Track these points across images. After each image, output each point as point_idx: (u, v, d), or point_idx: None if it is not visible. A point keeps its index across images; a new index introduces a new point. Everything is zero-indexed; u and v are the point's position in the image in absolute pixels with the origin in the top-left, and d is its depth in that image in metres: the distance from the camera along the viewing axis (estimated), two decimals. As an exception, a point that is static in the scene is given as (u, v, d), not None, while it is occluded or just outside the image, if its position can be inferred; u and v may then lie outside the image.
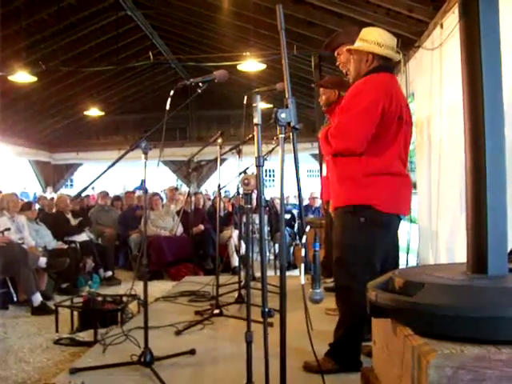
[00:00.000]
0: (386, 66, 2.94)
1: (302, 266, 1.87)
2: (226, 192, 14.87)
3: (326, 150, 2.92)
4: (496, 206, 1.72)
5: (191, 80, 2.98)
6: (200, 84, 2.92)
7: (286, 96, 1.89)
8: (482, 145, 1.73)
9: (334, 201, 3.04)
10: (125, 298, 4.59)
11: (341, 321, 2.93)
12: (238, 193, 5.33)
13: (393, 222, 2.92)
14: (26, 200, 8.95)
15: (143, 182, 3.09)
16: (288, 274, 2.14)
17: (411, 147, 7.70)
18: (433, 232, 5.75)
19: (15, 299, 5.59)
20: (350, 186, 2.85)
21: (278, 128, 1.87)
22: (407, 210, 3.04)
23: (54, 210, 7.66)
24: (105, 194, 9.26)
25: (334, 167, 2.97)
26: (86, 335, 4.21)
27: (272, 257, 8.12)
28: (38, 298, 5.31)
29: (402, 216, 2.99)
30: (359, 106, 2.75)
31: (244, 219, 5.48)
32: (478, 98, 1.75)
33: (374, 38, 2.89)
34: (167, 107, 2.81)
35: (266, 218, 7.68)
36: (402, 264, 6.48)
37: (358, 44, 2.96)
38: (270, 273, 6.34)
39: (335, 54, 3.49)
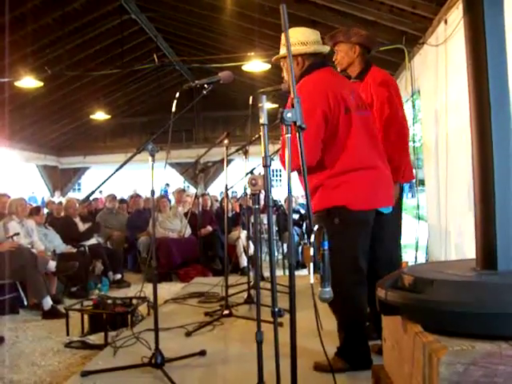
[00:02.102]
0: (318, 62, 2.87)
1: (311, 265, 1.86)
2: (233, 193, 14.88)
3: (284, 167, 2.82)
4: (504, 202, 1.71)
5: (196, 82, 2.99)
6: (205, 85, 2.92)
7: (292, 95, 1.88)
8: (489, 140, 1.73)
9: (313, 206, 2.98)
10: (134, 301, 4.60)
11: (339, 323, 2.90)
12: (245, 193, 5.34)
13: (369, 218, 2.83)
14: (34, 205, 8.99)
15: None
16: (297, 273, 2.13)
17: (417, 144, 7.68)
18: (442, 229, 5.73)
19: (25, 303, 5.61)
20: (319, 191, 2.78)
21: (284, 127, 1.87)
22: (385, 200, 2.91)
23: (62, 214, 7.68)
24: (113, 197, 9.29)
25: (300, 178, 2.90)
26: (96, 338, 4.22)
27: (280, 257, 8.11)
28: (48, 302, 5.33)
29: (383, 208, 2.91)
30: None
31: (252, 220, 5.49)
32: (483, 93, 1.74)
33: (296, 39, 2.83)
34: (173, 109, 2.82)
35: (274, 217, 7.68)
36: (410, 261, 6.50)
37: (282, 51, 2.88)
38: (278, 272, 6.35)
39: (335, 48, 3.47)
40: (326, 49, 2.94)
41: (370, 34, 3.51)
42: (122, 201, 10.14)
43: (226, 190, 4.72)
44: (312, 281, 1.86)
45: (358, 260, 2.81)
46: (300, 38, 2.83)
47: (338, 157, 2.74)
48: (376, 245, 2.92)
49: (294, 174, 2.05)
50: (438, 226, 5.95)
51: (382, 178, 2.87)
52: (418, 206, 6.85)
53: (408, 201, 19.42)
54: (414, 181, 6.62)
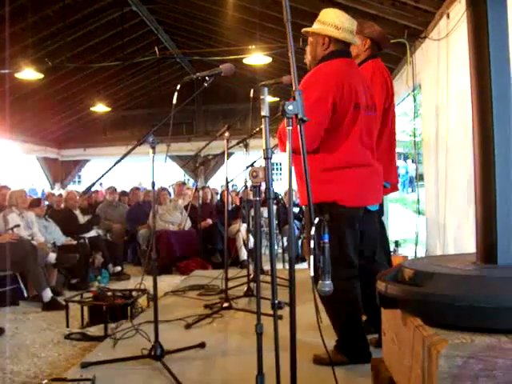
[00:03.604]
0: (343, 51, 2.83)
1: (311, 258, 1.86)
2: (233, 186, 14.89)
3: (281, 148, 2.77)
4: (505, 196, 1.71)
5: (197, 74, 2.98)
6: (206, 78, 2.91)
7: (293, 88, 1.88)
8: (490, 135, 1.72)
9: (300, 200, 2.98)
10: (134, 293, 4.61)
11: (334, 319, 2.90)
12: (245, 186, 5.34)
13: (358, 215, 2.83)
14: (34, 197, 8.99)
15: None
16: (296, 266, 2.13)
17: (418, 139, 7.67)
18: (440, 223, 5.73)
19: (26, 295, 5.63)
20: (311, 183, 2.78)
21: (286, 120, 1.87)
22: (375, 199, 2.93)
23: (62, 206, 7.69)
24: (113, 190, 9.29)
25: (295, 165, 2.90)
26: (96, 330, 4.23)
27: (280, 250, 8.12)
28: (48, 294, 5.34)
29: (371, 206, 2.91)
30: (307, 101, 2.63)
31: (252, 212, 5.49)
32: (485, 87, 1.74)
33: (332, 21, 2.78)
34: (174, 101, 2.81)
35: (274, 210, 7.69)
36: (410, 255, 6.51)
37: (315, 26, 2.86)
38: (278, 266, 6.35)
39: None
40: (356, 41, 2.91)
41: (383, 32, 3.48)
42: (123, 193, 10.13)
43: (227, 183, 4.72)
44: (312, 274, 1.86)
45: (349, 255, 2.81)
46: (335, 21, 2.78)
47: (334, 151, 2.74)
48: (361, 241, 2.92)
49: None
50: (436, 221, 5.95)
51: (373, 176, 2.88)
52: (418, 200, 6.85)
53: (408, 195, 19.45)
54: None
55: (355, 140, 2.76)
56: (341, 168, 2.73)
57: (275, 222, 8.45)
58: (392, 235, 8.29)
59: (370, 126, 2.87)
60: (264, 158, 1.96)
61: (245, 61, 8.78)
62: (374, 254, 3.06)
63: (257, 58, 8.66)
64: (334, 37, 2.79)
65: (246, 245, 7.57)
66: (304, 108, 2.58)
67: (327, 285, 1.85)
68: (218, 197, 10.31)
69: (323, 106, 2.65)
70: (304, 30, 2.90)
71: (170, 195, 9.36)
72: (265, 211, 7.15)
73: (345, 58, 2.84)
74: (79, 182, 24.74)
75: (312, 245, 1.85)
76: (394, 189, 3.66)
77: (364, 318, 3.04)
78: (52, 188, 15.72)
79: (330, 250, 2.67)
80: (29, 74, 8.78)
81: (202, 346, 3.35)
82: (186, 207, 8.38)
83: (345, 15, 2.82)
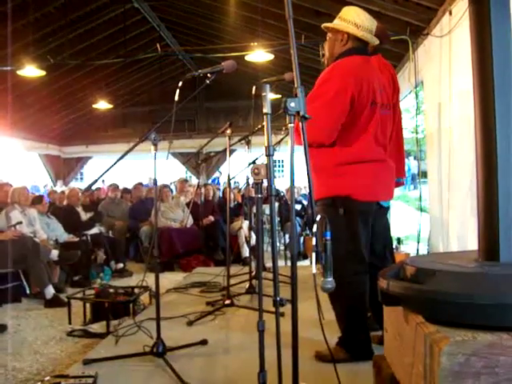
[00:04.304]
0: (361, 49, 2.85)
1: (313, 255, 1.86)
2: (235, 183, 14.89)
3: (297, 140, 2.86)
4: (507, 193, 1.71)
5: (200, 71, 2.98)
6: (208, 75, 2.91)
7: (295, 85, 1.88)
8: (492, 132, 1.72)
9: (314, 193, 3.01)
10: (136, 290, 4.62)
11: (339, 314, 2.91)
12: (247, 183, 5.34)
13: (371, 210, 2.86)
14: (36, 194, 9.00)
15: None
16: (298, 263, 2.14)
17: (420, 136, 7.68)
18: (443, 221, 5.73)
19: (28, 292, 5.64)
20: (325, 177, 2.79)
21: (288, 117, 1.87)
22: (388, 195, 2.97)
23: (64, 203, 7.70)
24: (115, 187, 9.30)
25: (309, 159, 2.92)
26: (98, 327, 4.24)
27: (282, 247, 8.13)
28: (50, 291, 5.36)
29: (384, 202, 2.93)
30: (327, 95, 2.67)
31: (254, 210, 5.49)
32: (488, 84, 1.73)
33: (352, 18, 2.80)
34: (176, 98, 2.81)
35: (276, 207, 7.69)
36: (412, 253, 6.50)
37: (335, 22, 2.88)
38: (280, 263, 6.35)
39: None
40: (374, 40, 2.90)
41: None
42: (126, 190, 10.13)
43: (229, 179, 4.72)
44: (314, 271, 1.86)
45: (361, 250, 2.82)
46: (356, 19, 2.80)
47: (350, 146, 2.75)
48: (371, 237, 2.94)
49: (297, 166, 2.04)
50: (439, 218, 5.94)
51: (387, 172, 2.90)
52: (421, 197, 6.84)
53: (410, 193, 19.42)
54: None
55: (370, 136, 2.78)
56: (356, 163, 2.75)
57: (277, 219, 8.46)
58: (394, 232, 8.28)
59: (385, 124, 2.89)
60: (266, 155, 1.96)
61: (247, 58, 8.76)
62: (385, 251, 3.07)
63: (259, 55, 8.65)
64: (353, 34, 2.81)
65: (247, 242, 7.57)
66: (323, 101, 2.62)
67: (329, 282, 1.85)
68: (220, 194, 10.31)
69: (342, 100, 2.67)
70: (324, 25, 2.93)
71: (172, 192, 9.36)
72: (267, 208, 7.15)
73: (363, 55, 2.85)
74: (81, 179, 24.78)
75: (314, 242, 1.85)
76: (400, 184, 3.68)
77: (369, 314, 3.04)
78: (54, 185, 15.74)
79: (341, 243, 2.72)
80: (30, 71, 8.79)
81: (203, 343, 3.35)
82: (188, 204, 8.38)
83: (366, 14, 2.84)
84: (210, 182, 14.64)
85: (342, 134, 2.73)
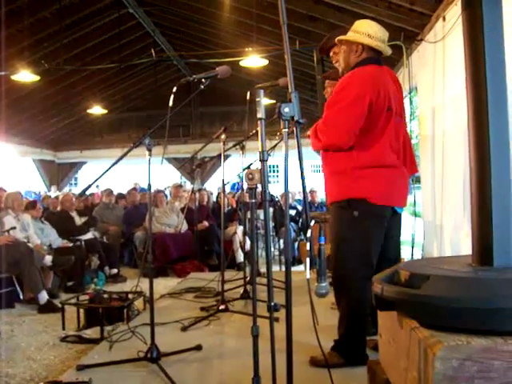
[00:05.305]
0: (375, 59, 2.91)
1: (308, 260, 1.87)
2: (230, 188, 14.87)
3: (316, 145, 2.90)
4: (501, 198, 1.71)
5: (194, 76, 2.98)
6: (203, 80, 2.92)
7: (290, 90, 1.88)
8: (486, 137, 1.73)
9: (328, 196, 3.04)
10: (130, 295, 4.61)
11: (342, 316, 2.93)
12: (242, 188, 5.34)
13: (387, 214, 2.89)
14: (30, 199, 8.97)
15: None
16: (293, 269, 2.14)
17: (414, 141, 7.70)
18: (437, 225, 5.74)
19: (21, 297, 5.61)
20: (342, 180, 2.84)
21: (282, 122, 1.87)
22: (403, 201, 3.01)
23: (58, 209, 7.67)
24: (109, 192, 9.27)
25: (325, 162, 2.98)
26: (92, 332, 4.22)
27: (277, 252, 8.12)
28: (44, 296, 5.33)
29: (398, 208, 2.97)
30: (346, 100, 2.73)
31: (248, 215, 5.49)
32: (481, 90, 1.74)
33: (365, 30, 2.88)
34: (170, 103, 2.81)
35: (271, 211, 7.68)
36: (406, 257, 6.50)
37: (349, 34, 2.94)
38: (275, 268, 6.35)
39: (331, 54, 3.48)
40: (388, 51, 2.96)
41: None
42: (120, 195, 10.11)
43: (223, 185, 4.72)
44: (308, 276, 1.86)
45: (371, 255, 2.85)
46: (368, 31, 2.87)
47: (367, 150, 2.79)
48: (385, 243, 2.96)
49: (292, 172, 2.05)
50: (433, 223, 5.96)
51: (402, 178, 2.95)
52: (415, 202, 6.85)
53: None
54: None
55: (386, 142, 2.83)
56: (373, 167, 2.80)
57: (271, 224, 8.46)
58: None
59: (398, 132, 2.94)
60: (260, 161, 1.96)
61: (241, 63, 8.78)
62: (397, 258, 3.11)
63: (253, 60, 8.67)
64: (367, 44, 2.88)
65: (242, 247, 7.56)
66: (342, 106, 2.67)
67: (323, 287, 1.85)
68: (215, 199, 10.30)
69: (360, 104, 2.72)
70: (338, 38, 2.99)
71: (167, 197, 9.35)
72: (261, 213, 7.15)
73: (377, 64, 2.91)
74: (75, 184, 24.73)
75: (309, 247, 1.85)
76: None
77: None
78: (48, 190, 15.70)
79: (353, 245, 2.74)
80: (25, 75, 8.78)
81: (198, 348, 3.35)
82: (182, 209, 8.37)
83: (378, 25, 2.92)
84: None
85: (360, 138, 2.77)
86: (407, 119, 3.60)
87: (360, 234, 2.80)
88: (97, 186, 16.20)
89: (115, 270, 7.29)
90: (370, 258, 2.84)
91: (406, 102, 7.22)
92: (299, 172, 1.95)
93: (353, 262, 2.79)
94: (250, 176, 1.99)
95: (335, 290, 2.98)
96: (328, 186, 3.00)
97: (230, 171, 5.51)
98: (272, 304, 1.98)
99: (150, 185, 3.11)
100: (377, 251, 2.89)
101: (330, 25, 7.18)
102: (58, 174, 16.39)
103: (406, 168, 2.99)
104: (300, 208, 10.17)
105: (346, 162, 2.81)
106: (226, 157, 4.94)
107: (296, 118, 1.86)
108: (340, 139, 2.75)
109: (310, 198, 10.51)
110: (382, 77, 2.87)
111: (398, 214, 3.02)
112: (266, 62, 8.81)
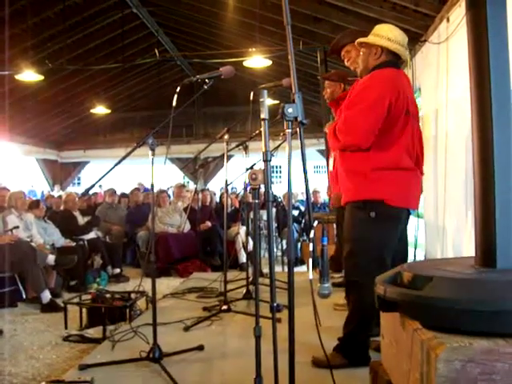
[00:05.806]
0: (394, 62, 2.95)
1: (310, 260, 1.86)
2: (232, 189, 14.87)
3: (334, 144, 2.93)
4: (505, 199, 1.71)
5: (198, 76, 2.98)
6: (206, 80, 2.92)
7: (293, 91, 1.88)
8: (490, 138, 1.72)
9: (344, 196, 3.04)
10: (133, 295, 4.61)
11: (351, 315, 2.94)
12: (245, 189, 5.33)
13: (403, 216, 2.92)
14: (33, 198, 8.98)
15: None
16: (296, 269, 2.14)
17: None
18: (439, 227, 5.73)
19: (24, 297, 5.62)
20: (359, 180, 2.85)
21: (285, 123, 1.87)
22: (416, 203, 3.05)
23: (61, 208, 7.68)
24: (112, 192, 9.28)
25: (343, 162, 2.99)
26: (94, 332, 4.22)
27: (279, 253, 8.12)
28: (46, 296, 5.34)
29: (412, 210, 3.01)
30: (366, 101, 2.76)
31: (251, 215, 5.49)
32: (485, 91, 1.74)
33: (385, 33, 2.91)
34: (174, 104, 2.81)
35: (273, 211, 7.68)
36: (409, 259, 6.49)
37: (369, 37, 2.98)
38: (277, 269, 6.35)
39: (342, 53, 3.50)
40: (406, 55, 3.01)
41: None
42: (123, 195, 10.13)
43: (226, 185, 4.72)
44: (311, 277, 1.86)
45: (385, 256, 2.86)
46: (388, 34, 2.90)
47: (385, 152, 2.81)
48: (398, 244, 3.00)
49: (295, 172, 2.04)
50: (435, 224, 5.95)
51: (417, 181, 2.99)
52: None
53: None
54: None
55: (403, 144, 2.85)
56: (391, 169, 2.82)
57: (274, 224, 8.45)
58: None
59: (416, 133, 2.97)
60: (263, 161, 1.96)
61: (245, 63, 8.78)
62: (405, 258, 3.16)
63: (257, 60, 8.67)
64: (386, 47, 2.90)
65: (245, 247, 7.56)
66: (362, 106, 2.69)
67: (326, 288, 1.85)
68: (217, 199, 10.30)
69: (380, 105, 2.74)
70: (359, 40, 3.00)
71: (170, 197, 9.35)
72: (264, 214, 7.15)
73: (396, 68, 2.95)
74: (78, 183, 24.75)
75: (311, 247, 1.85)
76: None
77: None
78: (52, 190, 15.71)
79: (368, 246, 2.78)
80: (29, 75, 8.79)
81: (200, 348, 3.35)
82: (185, 209, 8.38)
83: (398, 30, 2.95)
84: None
85: (378, 139, 2.79)
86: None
87: (376, 235, 2.82)
88: (100, 186, 16.21)
89: (118, 270, 7.30)
90: (384, 258, 2.84)
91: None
92: (302, 173, 1.94)
93: (367, 263, 2.79)
94: (253, 176, 1.99)
95: (347, 289, 2.99)
96: (344, 185, 3.02)
97: (233, 171, 5.50)
98: (274, 304, 1.97)
99: (152, 185, 3.11)
100: (390, 254, 2.90)
101: (334, 26, 7.18)
102: (61, 173, 16.39)
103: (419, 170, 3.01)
104: (303, 208, 10.17)
105: (364, 162, 2.82)
106: (229, 157, 4.91)
107: (299, 119, 1.86)
108: (359, 140, 2.77)
109: (312, 199, 10.51)
110: (400, 80, 2.91)
111: (410, 217, 3.05)
112: (269, 62, 8.81)
